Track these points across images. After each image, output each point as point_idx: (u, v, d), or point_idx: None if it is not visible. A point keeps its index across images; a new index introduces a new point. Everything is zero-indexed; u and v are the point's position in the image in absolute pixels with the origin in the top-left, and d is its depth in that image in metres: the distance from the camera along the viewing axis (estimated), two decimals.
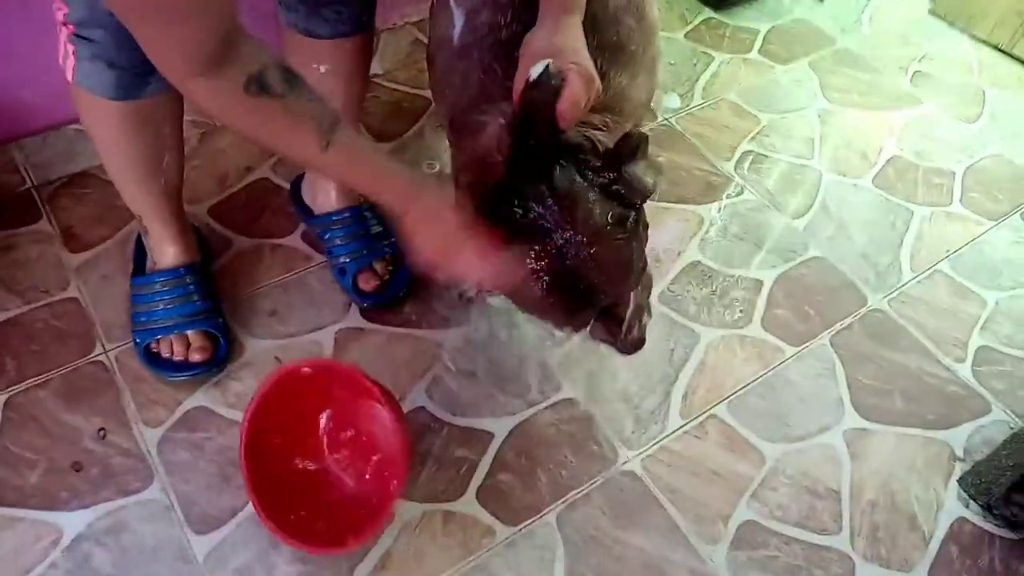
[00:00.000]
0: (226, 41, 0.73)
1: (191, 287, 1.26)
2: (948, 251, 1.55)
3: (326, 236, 1.37)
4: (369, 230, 1.37)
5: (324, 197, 1.37)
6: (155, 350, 1.23)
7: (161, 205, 1.22)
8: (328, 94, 1.21)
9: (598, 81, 0.86)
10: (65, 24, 0.96)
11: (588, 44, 0.90)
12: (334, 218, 1.36)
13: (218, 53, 0.73)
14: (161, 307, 1.24)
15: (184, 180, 1.24)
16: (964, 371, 1.37)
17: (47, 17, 0.98)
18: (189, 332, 1.23)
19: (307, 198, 1.41)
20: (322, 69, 1.21)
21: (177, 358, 1.22)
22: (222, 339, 1.25)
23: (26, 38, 1.30)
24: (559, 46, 0.85)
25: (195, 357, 1.22)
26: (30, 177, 1.47)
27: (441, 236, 0.86)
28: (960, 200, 1.65)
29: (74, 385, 1.21)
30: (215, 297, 1.29)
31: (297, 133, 0.79)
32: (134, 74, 1.00)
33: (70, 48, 0.99)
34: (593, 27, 0.95)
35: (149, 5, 0.69)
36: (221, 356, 1.24)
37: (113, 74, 1.00)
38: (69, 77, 1.02)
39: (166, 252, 1.26)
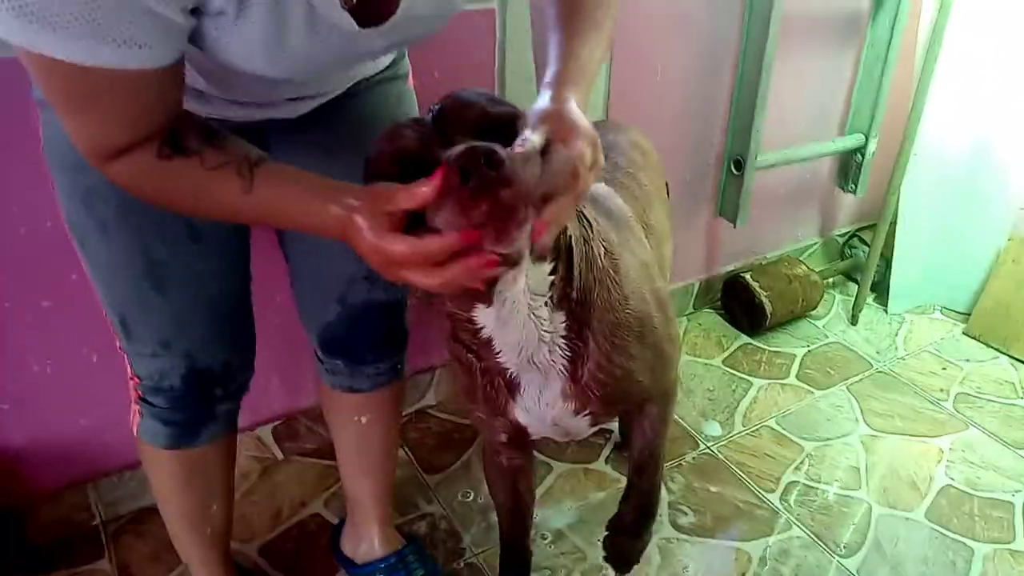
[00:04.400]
0: (154, 131, 0.74)
1: None
2: None
3: None
4: (414, 572, 1.39)
5: (368, 546, 1.41)
6: None
7: (207, 554, 1.28)
8: (369, 440, 1.33)
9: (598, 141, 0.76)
10: (131, 378, 1.10)
11: None
12: (380, 566, 1.39)
13: (141, 139, 0.73)
14: None
15: (234, 520, 1.31)
16: None
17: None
18: None
19: (347, 549, 1.45)
20: (363, 420, 1.32)
21: None
22: None
23: (118, 385, 1.45)
24: (560, 109, 0.75)
25: None
26: (100, 514, 1.55)
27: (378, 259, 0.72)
28: (1023, 534, 1.59)
29: None
30: None
31: (217, 184, 0.76)
32: (186, 429, 1.13)
33: (136, 408, 1.13)
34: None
35: (75, 93, 0.69)
36: None
37: (168, 429, 1.12)
38: (134, 431, 1.15)
39: None
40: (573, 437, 1.11)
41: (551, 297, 0.88)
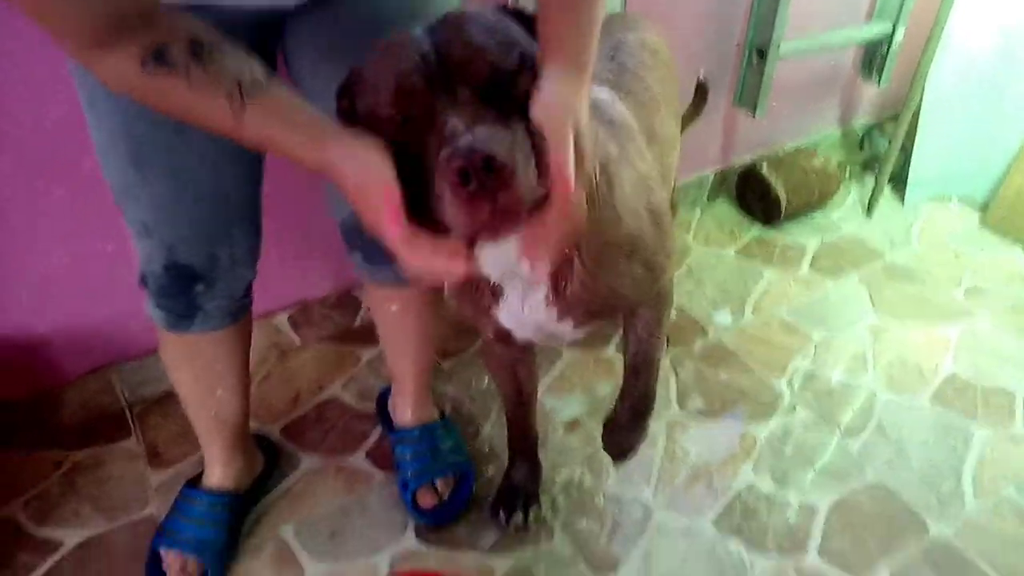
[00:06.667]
0: (130, 14, 0.69)
1: (218, 515, 1.34)
2: (1014, 477, 1.51)
3: (397, 450, 1.47)
4: (438, 447, 1.46)
5: (401, 413, 1.48)
6: (161, 556, 1.30)
7: (212, 431, 1.34)
8: (402, 325, 1.36)
9: (588, 166, 0.75)
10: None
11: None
12: (406, 435, 1.46)
13: (115, 26, 0.68)
14: (184, 523, 1.32)
15: (255, 403, 1.36)
16: None
17: None
18: (190, 557, 1.29)
19: (391, 410, 1.53)
20: (394, 308, 1.35)
21: (168, 574, 1.28)
22: None
23: (129, 277, 1.47)
24: (569, 105, 0.72)
25: None
26: (124, 397, 1.61)
27: (372, 213, 0.72)
28: (1023, 421, 1.63)
29: None
30: (236, 532, 1.36)
31: (205, 106, 0.72)
32: (176, 315, 1.16)
33: (142, 284, 1.16)
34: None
35: None
36: None
37: (160, 312, 1.16)
38: (145, 309, 1.19)
39: (212, 472, 1.37)
40: (559, 342, 1.09)
41: None
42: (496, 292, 0.98)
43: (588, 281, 0.94)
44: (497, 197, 0.65)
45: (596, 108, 1.02)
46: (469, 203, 0.66)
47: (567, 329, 1.03)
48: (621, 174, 0.96)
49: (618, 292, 0.99)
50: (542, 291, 0.95)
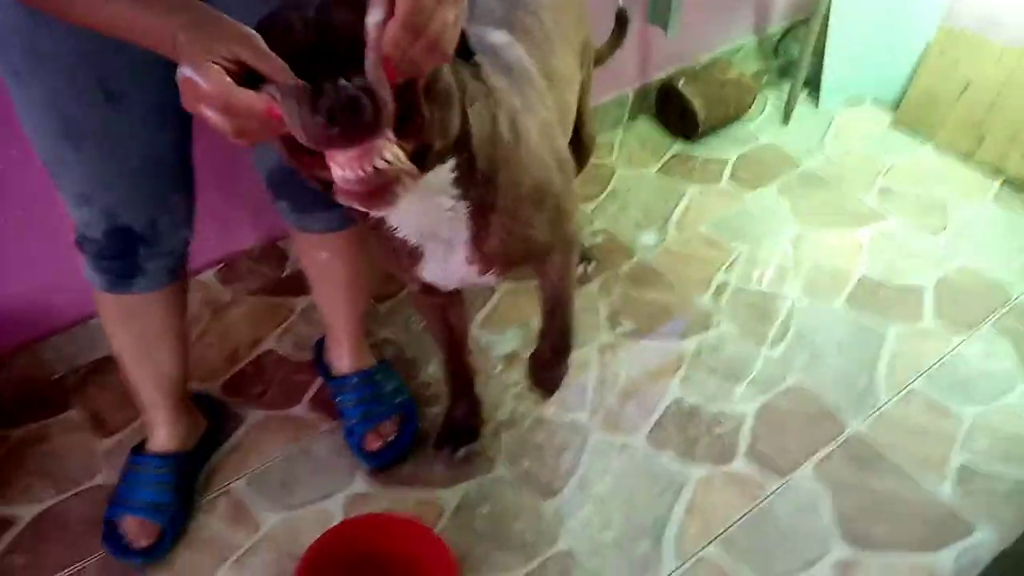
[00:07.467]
0: None
1: (167, 477, 1.36)
2: (922, 369, 1.62)
3: (338, 398, 1.49)
4: (379, 391, 1.49)
5: (338, 361, 1.50)
6: (115, 523, 1.32)
7: (153, 394, 1.34)
8: (332, 273, 1.38)
9: None
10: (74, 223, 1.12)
11: None
12: (346, 382, 1.49)
13: None
14: (136, 488, 1.35)
15: (193, 362, 1.37)
16: (945, 492, 1.43)
17: (64, 231, 1.14)
18: (146, 520, 1.32)
19: (327, 359, 1.54)
20: (323, 256, 1.36)
21: (126, 539, 1.31)
22: (168, 537, 1.33)
23: (48, 251, 1.46)
24: None
25: (138, 542, 1.31)
26: (59, 369, 1.60)
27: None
28: (931, 315, 1.73)
29: (106, 573, 1.31)
30: (188, 492, 1.39)
31: None
32: (118, 275, 1.16)
33: (79, 248, 1.15)
34: None
35: None
36: (162, 550, 1.32)
37: (99, 275, 1.16)
38: (83, 272, 1.18)
39: (157, 435, 1.38)
40: (483, 287, 1.12)
41: (454, 192, 0.87)
42: (415, 254, 0.99)
43: (505, 235, 0.97)
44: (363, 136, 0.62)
45: (494, 54, 1.03)
46: (339, 147, 0.63)
47: (490, 279, 1.07)
48: (527, 125, 0.98)
49: (534, 240, 1.03)
50: (462, 251, 0.97)
